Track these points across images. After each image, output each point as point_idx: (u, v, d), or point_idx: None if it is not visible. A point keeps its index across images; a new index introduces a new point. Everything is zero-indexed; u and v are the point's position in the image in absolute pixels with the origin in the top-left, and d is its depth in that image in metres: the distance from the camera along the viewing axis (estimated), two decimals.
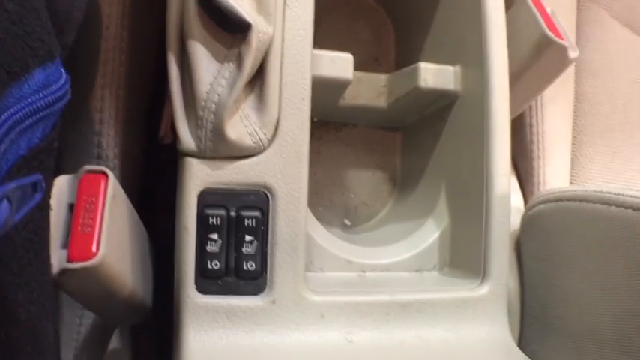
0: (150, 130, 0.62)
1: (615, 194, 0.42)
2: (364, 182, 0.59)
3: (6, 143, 0.27)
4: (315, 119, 0.57)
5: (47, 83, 0.30)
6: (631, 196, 0.41)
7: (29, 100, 0.29)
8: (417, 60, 0.50)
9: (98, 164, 0.49)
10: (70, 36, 0.36)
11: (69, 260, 0.34)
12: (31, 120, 0.29)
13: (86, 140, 0.50)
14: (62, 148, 0.33)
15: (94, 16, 0.49)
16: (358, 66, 0.49)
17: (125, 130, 0.52)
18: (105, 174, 0.38)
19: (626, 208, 0.42)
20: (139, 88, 0.56)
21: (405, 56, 0.60)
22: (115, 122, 0.50)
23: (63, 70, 0.32)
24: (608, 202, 0.43)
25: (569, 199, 0.47)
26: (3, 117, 0.27)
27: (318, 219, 0.49)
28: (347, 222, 0.58)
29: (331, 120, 0.58)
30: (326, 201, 0.58)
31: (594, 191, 0.44)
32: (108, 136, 0.50)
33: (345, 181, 0.59)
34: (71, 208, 0.37)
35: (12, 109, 0.27)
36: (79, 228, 0.36)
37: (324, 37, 0.58)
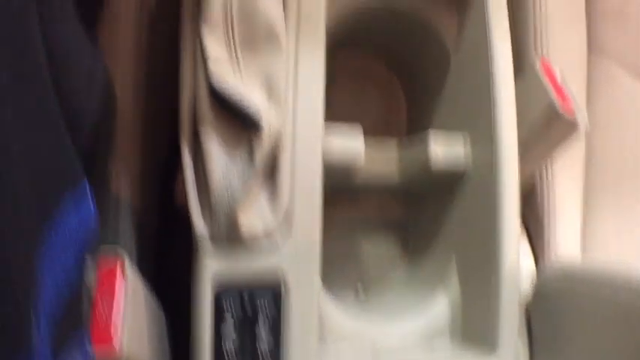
0: (166, 175, 0.62)
1: (627, 281, 0.43)
2: (376, 249, 0.60)
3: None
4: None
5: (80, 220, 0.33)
6: None
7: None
8: (428, 126, 0.51)
9: (116, 211, 0.49)
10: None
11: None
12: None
13: (102, 187, 0.50)
14: None
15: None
16: (369, 129, 0.50)
17: (141, 180, 0.52)
18: (120, 260, 0.39)
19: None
20: (155, 133, 0.56)
21: (415, 120, 0.60)
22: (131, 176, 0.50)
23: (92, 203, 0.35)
24: (617, 290, 0.43)
25: (579, 281, 0.47)
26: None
27: (330, 284, 0.49)
28: (359, 286, 0.58)
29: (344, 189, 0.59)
30: (338, 266, 0.58)
31: (604, 274, 0.45)
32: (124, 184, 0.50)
33: (356, 247, 0.60)
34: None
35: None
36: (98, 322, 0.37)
37: (336, 98, 0.59)
